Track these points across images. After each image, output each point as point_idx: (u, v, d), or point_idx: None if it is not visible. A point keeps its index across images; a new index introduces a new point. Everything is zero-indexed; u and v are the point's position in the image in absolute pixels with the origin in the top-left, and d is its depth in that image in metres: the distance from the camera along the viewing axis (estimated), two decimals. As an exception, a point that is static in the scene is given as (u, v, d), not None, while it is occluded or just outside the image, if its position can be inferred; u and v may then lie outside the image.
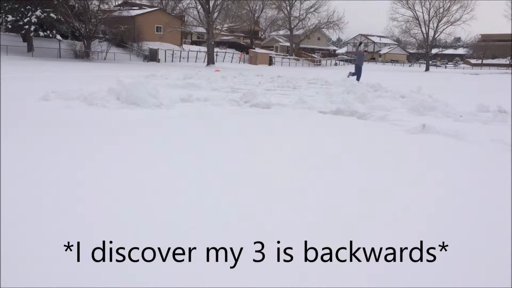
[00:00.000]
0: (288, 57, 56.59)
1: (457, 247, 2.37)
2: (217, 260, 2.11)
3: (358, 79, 19.29)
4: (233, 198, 3.00)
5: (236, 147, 4.68)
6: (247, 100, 8.62)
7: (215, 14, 38.56)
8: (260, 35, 68.49)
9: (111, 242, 2.24)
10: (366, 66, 26.75)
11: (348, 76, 19.93)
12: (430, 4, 57.14)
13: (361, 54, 20.88)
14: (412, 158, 4.52)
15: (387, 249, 2.32)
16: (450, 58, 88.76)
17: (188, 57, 42.42)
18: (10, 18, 30.26)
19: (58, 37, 32.59)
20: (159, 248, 2.18)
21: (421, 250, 2.32)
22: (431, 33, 58.60)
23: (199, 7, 39.56)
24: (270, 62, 51.14)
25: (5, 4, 30.11)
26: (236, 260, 2.11)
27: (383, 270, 2.09)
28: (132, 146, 4.49)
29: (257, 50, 54.03)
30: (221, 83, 14.32)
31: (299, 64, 55.28)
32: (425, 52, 60.11)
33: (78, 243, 2.21)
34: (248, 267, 2.06)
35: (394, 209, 2.93)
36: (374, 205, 2.98)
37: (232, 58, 49.41)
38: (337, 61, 63.56)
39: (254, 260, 2.12)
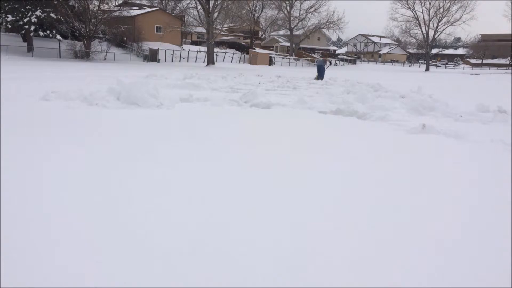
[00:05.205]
0: (288, 57, 56.55)
1: (457, 247, 2.37)
2: (216, 259, 2.11)
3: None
4: (234, 198, 3.01)
5: (236, 147, 4.68)
6: (247, 100, 8.62)
7: (215, 14, 38.52)
8: (260, 35, 68.44)
9: (110, 241, 2.25)
10: (367, 66, 27.33)
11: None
12: (430, 4, 57.15)
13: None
14: (412, 158, 4.51)
15: (386, 248, 2.32)
16: (450, 58, 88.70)
17: (188, 57, 42.38)
18: (10, 18, 30.23)
19: (58, 37, 32.55)
20: (156, 248, 2.18)
21: (421, 249, 2.32)
22: (431, 33, 58.62)
23: (199, 7, 39.54)
24: (270, 62, 51.11)
25: (5, 4, 30.09)
26: (234, 260, 2.11)
27: (383, 270, 2.09)
28: (132, 146, 4.48)
29: (257, 50, 53.98)
30: (221, 83, 14.32)
31: (299, 64, 55.25)
32: (425, 52, 60.10)
33: (79, 242, 2.21)
34: (248, 267, 2.06)
35: (394, 208, 2.93)
36: (374, 204, 2.98)
37: (232, 58, 49.40)
38: (337, 61, 63.52)
39: (254, 260, 2.12)
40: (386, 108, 8.45)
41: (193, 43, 57.34)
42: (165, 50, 40.58)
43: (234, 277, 1.95)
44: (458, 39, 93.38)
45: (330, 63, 23.10)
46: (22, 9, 30.33)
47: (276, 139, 5.29)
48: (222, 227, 2.49)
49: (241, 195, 3.08)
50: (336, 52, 78.73)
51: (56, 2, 31.61)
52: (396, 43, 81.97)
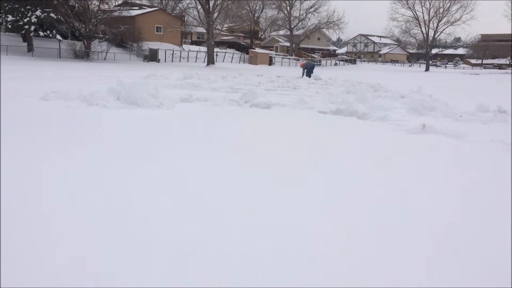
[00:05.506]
0: (288, 57, 56.52)
1: (457, 247, 2.37)
2: (216, 259, 2.11)
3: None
4: (234, 198, 3.00)
5: (236, 147, 4.68)
6: (247, 100, 8.62)
7: (215, 14, 38.48)
8: (260, 35, 68.38)
9: (110, 241, 2.25)
10: (367, 66, 28.18)
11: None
12: (430, 4, 57.06)
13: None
14: (412, 158, 4.51)
15: (386, 248, 2.32)
16: (450, 58, 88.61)
17: (188, 57, 42.34)
18: (10, 18, 30.22)
19: (58, 37, 32.52)
20: (154, 250, 2.18)
21: (420, 249, 2.32)
22: (431, 33, 58.54)
23: (199, 7, 39.50)
24: (270, 62, 51.11)
25: (5, 4, 30.09)
26: (234, 260, 2.11)
27: (383, 270, 2.09)
28: (132, 146, 4.48)
29: (257, 50, 53.96)
30: (221, 83, 14.32)
31: (299, 64, 55.21)
32: (425, 52, 60.05)
33: (79, 242, 2.21)
34: (248, 267, 2.06)
35: (394, 208, 2.93)
36: (374, 204, 2.98)
37: (232, 58, 49.39)
38: (337, 61, 63.49)
39: (254, 259, 2.12)
40: (386, 108, 8.45)
41: (193, 43, 57.30)
42: (165, 50, 40.54)
43: (234, 277, 1.95)
44: (458, 39, 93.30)
45: (314, 65, 25.07)
46: (22, 9, 30.31)
47: (276, 139, 5.29)
48: (222, 227, 2.49)
49: (241, 195, 3.08)
50: (336, 52, 78.68)
51: (56, 2, 31.59)
52: (396, 43, 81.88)
